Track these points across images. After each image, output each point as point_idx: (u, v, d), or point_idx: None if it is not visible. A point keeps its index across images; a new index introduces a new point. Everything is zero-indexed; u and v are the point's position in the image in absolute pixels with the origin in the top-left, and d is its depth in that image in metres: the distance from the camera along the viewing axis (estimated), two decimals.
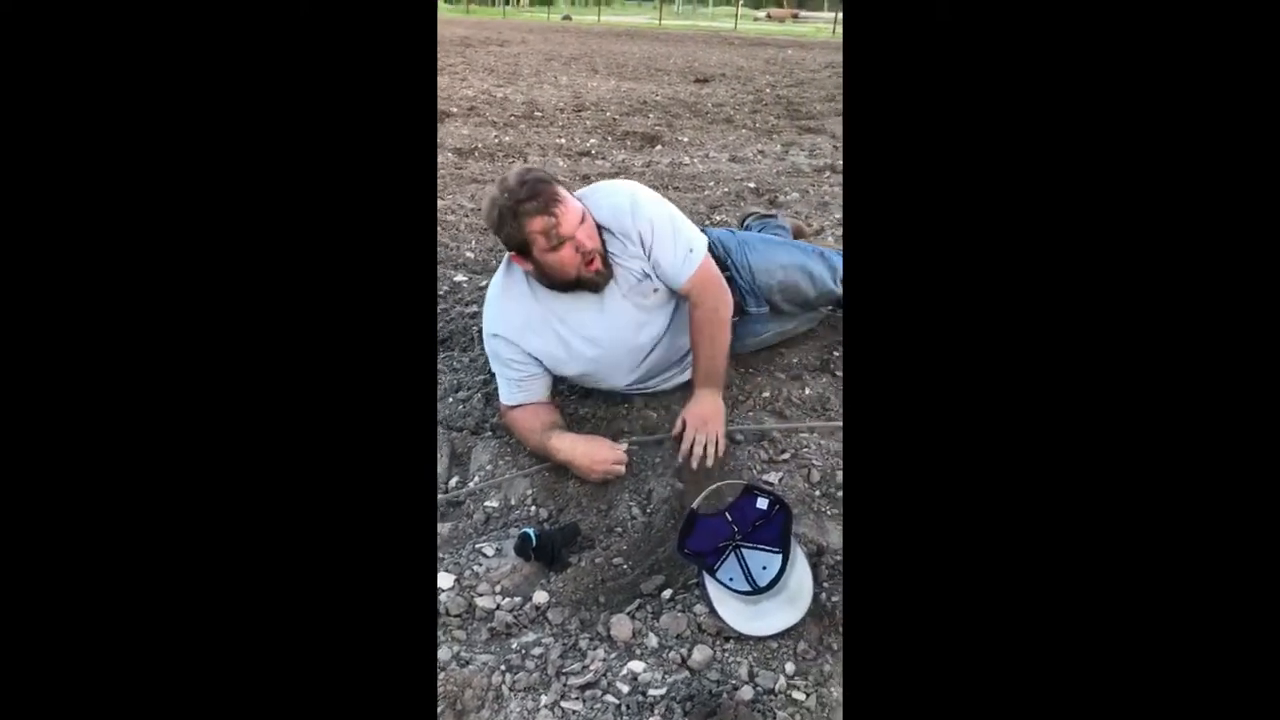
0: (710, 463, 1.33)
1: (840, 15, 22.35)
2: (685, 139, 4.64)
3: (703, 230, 1.55)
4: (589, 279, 1.37)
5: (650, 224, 1.40)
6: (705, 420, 1.38)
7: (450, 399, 1.65)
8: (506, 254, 1.47)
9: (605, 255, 1.38)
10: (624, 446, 1.37)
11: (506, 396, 1.47)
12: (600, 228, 1.38)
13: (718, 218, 2.95)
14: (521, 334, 1.43)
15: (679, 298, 1.49)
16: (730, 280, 1.58)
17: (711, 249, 1.55)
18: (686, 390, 1.52)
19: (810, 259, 1.73)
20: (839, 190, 3.39)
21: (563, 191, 1.33)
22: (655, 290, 1.45)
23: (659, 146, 4.45)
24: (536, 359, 1.45)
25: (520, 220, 1.29)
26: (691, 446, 1.34)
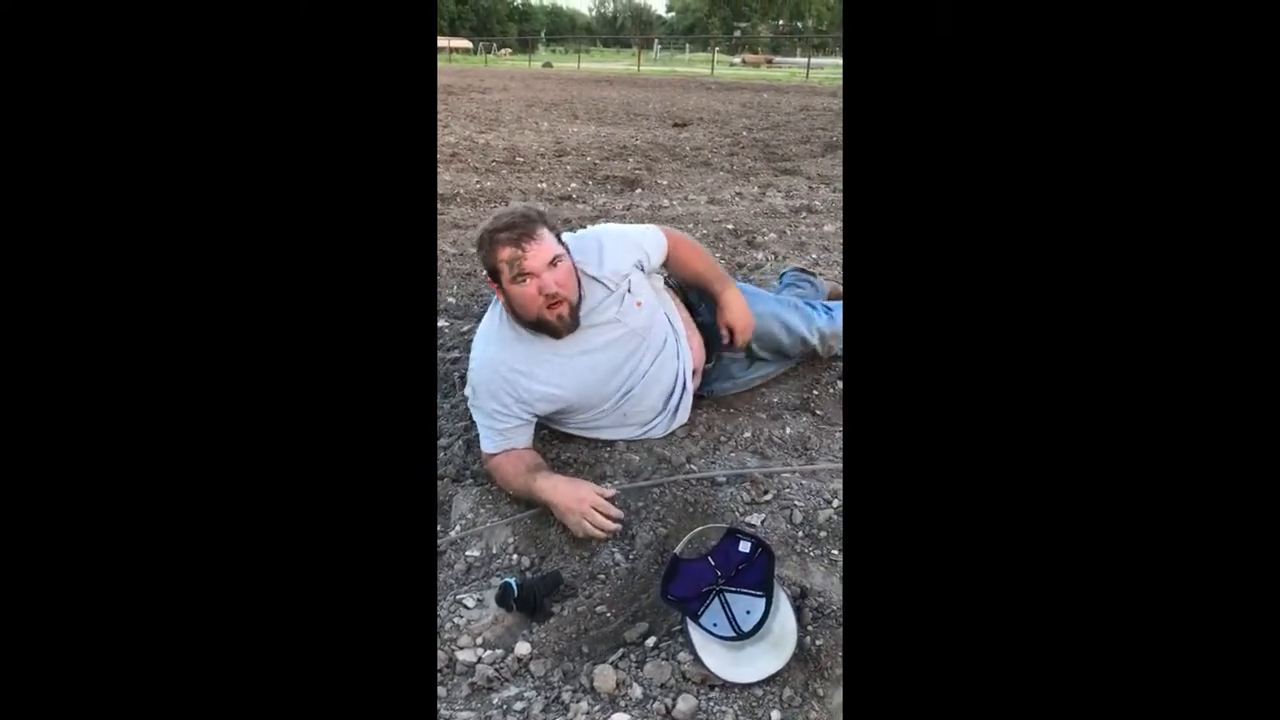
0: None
1: (811, 61, 23.03)
2: (665, 182, 4.73)
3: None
4: (549, 323, 1.39)
5: (620, 234, 1.59)
6: (746, 323, 1.64)
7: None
8: (494, 299, 1.49)
9: (575, 308, 1.41)
10: (612, 492, 1.36)
11: (489, 445, 1.47)
12: (579, 269, 1.44)
13: None
14: (509, 380, 1.44)
15: (653, 332, 1.54)
16: (703, 326, 1.68)
17: (687, 299, 1.70)
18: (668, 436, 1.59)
19: (785, 310, 1.78)
20: (815, 230, 3.46)
21: (543, 233, 1.37)
22: (639, 304, 1.51)
23: (639, 190, 4.52)
24: (522, 404, 1.45)
25: (492, 247, 1.37)
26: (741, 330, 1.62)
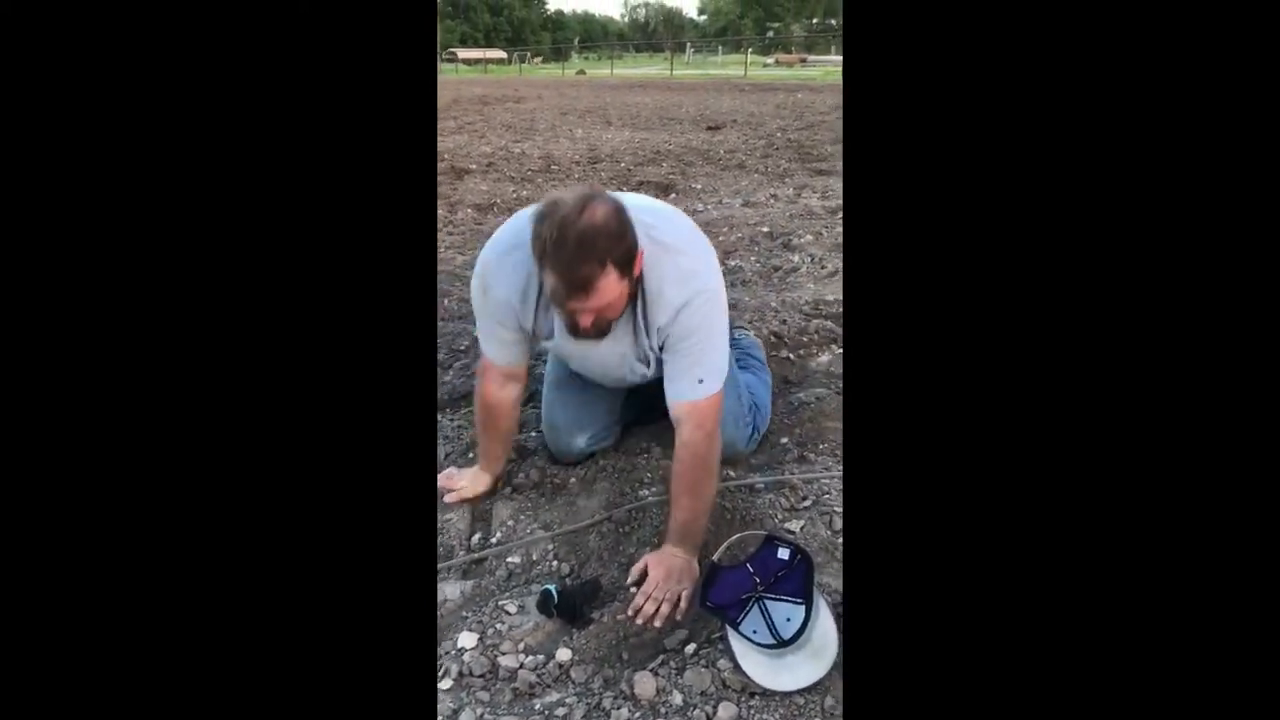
0: (659, 624, 1.16)
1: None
2: (699, 186, 4.72)
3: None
4: (576, 326, 1.21)
5: (691, 329, 1.23)
6: (671, 576, 1.20)
7: (471, 454, 1.67)
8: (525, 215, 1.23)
9: (610, 322, 1.24)
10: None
11: (489, 353, 1.41)
12: (642, 277, 1.21)
13: (732, 263, 2.99)
14: (519, 311, 1.31)
15: None
16: None
17: None
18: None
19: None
20: None
21: (607, 273, 1.10)
22: (647, 371, 1.35)
23: (673, 195, 4.52)
24: (525, 332, 1.35)
25: (547, 271, 1.12)
26: (645, 603, 1.17)
